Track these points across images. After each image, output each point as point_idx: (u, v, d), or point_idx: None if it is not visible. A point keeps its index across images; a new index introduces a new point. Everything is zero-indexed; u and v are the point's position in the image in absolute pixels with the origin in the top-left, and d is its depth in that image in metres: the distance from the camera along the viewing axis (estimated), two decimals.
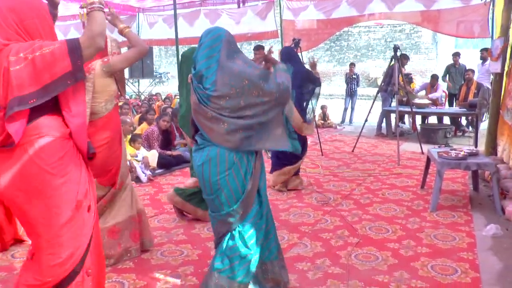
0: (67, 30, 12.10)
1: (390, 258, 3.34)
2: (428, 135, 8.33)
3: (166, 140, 6.77)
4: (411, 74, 10.55)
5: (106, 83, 3.01)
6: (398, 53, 7.12)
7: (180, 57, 4.44)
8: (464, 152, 4.64)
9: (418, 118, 9.23)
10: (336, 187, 5.34)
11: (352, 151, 7.52)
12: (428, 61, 19.32)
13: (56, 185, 2.01)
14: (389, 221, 4.13)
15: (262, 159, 2.66)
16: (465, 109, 8.27)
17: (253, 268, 2.55)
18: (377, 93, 7.93)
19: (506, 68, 5.78)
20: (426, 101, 8.93)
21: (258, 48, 7.20)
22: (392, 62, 7.37)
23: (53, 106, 2.04)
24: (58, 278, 2.06)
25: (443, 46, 19.35)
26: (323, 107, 10.62)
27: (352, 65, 11.55)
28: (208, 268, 2.72)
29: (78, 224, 2.08)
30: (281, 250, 2.85)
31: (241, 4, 10.08)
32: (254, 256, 2.54)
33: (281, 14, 10.44)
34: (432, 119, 9.58)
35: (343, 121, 11.16)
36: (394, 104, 8.22)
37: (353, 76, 11.15)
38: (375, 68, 20.08)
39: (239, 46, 2.61)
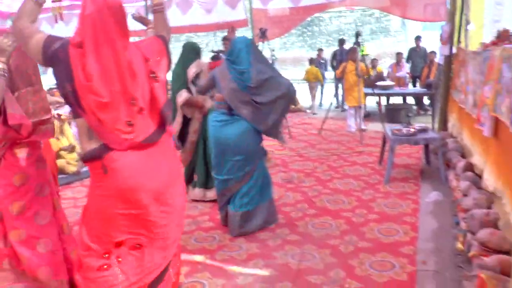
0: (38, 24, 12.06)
1: (343, 225, 3.76)
2: (392, 115, 8.80)
3: None
4: (376, 59, 10.98)
5: None
6: (360, 39, 7.48)
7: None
8: (415, 128, 5.08)
9: (384, 99, 9.68)
10: (300, 166, 5.74)
11: (319, 133, 7.93)
12: (397, 44, 19.84)
13: None
14: (346, 194, 4.55)
15: None
16: (426, 89, 8.76)
17: None
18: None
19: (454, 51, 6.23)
20: (390, 83, 9.38)
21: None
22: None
23: None
24: None
25: (411, 28, 19.82)
26: None
27: (320, 50, 11.92)
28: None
29: None
30: None
31: None
32: None
33: (251, 3, 10.71)
34: (398, 100, 10.05)
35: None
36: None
37: (321, 61, 11.53)
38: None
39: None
